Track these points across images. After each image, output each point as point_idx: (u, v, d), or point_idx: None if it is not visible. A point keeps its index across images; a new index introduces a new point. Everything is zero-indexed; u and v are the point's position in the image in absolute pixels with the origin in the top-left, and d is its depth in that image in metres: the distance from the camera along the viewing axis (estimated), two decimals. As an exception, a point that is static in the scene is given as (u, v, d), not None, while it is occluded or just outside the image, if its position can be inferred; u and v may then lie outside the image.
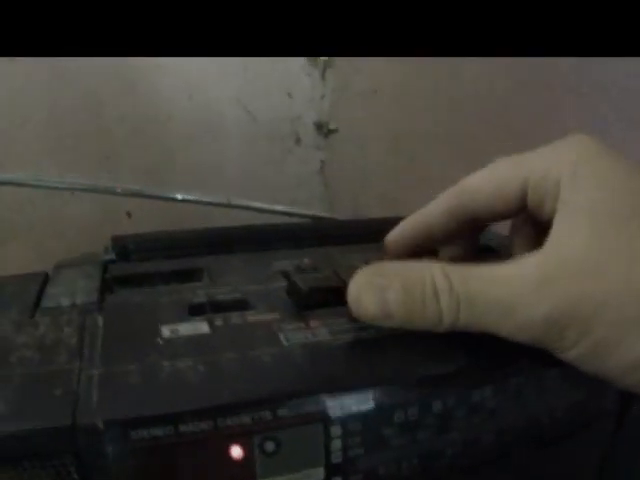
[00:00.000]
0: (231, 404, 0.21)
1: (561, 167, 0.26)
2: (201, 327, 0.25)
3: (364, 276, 0.26)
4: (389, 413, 0.23)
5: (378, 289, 0.26)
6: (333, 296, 0.28)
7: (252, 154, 0.74)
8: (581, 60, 0.70)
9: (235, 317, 0.26)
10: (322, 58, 0.74)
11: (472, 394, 0.25)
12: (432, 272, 0.25)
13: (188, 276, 0.31)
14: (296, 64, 0.72)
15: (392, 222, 0.34)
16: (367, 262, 0.30)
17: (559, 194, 0.26)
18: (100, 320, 0.26)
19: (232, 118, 0.72)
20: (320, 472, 0.22)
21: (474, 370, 0.25)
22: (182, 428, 0.20)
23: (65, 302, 0.29)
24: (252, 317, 0.26)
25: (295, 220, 0.57)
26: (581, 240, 0.24)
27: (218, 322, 0.26)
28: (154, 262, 0.33)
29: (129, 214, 0.72)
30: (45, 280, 0.32)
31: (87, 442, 0.20)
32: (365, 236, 0.35)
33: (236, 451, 0.21)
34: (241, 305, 0.27)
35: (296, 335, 0.25)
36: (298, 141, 0.76)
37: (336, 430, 0.23)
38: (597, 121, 0.75)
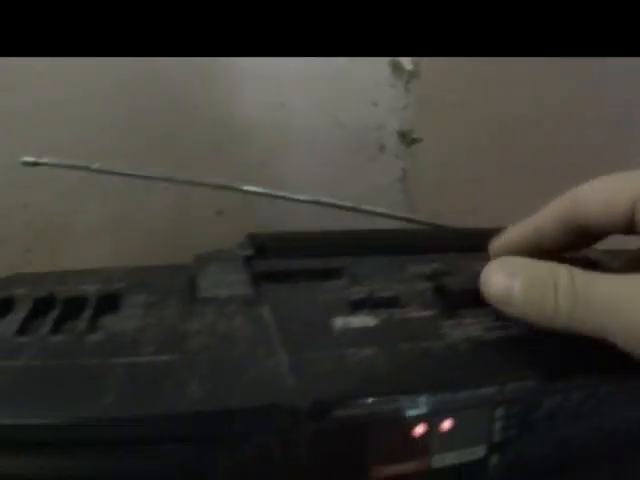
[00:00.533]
0: (416, 389, 0.23)
1: None
2: (368, 320, 0.27)
3: (497, 263, 0.29)
4: (539, 401, 0.25)
5: (506, 275, 0.28)
6: (478, 298, 0.30)
7: (338, 160, 0.77)
8: None
9: (395, 312, 0.28)
10: (407, 69, 0.76)
11: (600, 387, 0.27)
12: (557, 269, 0.27)
13: (330, 274, 0.34)
14: (381, 75, 0.74)
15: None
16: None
17: None
18: (266, 312, 0.29)
19: (322, 126, 0.74)
20: (483, 449, 0.25)
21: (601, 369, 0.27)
22: (374, 409, 0.22)
23: (223, 294, 0.31)
24: (411, 313, 0.28)
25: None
26: None
27: (382, 316, 0.28)
28: (291, 260, 0.35)
29: (220, 212, 0.75)
30: (190, 273, 0.34)
31: (290, 422, 0.22)
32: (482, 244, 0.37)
33: (418, 430, 0.23)
34: (396, 302, 0.30)
35: (455, 330, 0.28)
36: (382, 149, 0.78)
37: (499, 413, 0.25)
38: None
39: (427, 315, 0.29)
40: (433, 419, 0.24)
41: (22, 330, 0.28)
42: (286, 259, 0.36)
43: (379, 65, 0.75)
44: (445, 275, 0.33)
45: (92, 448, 0.22)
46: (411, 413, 0.23)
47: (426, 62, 0.75)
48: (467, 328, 0.28)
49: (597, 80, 0.75)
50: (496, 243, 0.34)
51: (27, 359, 0.25)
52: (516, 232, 0.33)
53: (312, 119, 0.75)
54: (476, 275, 0.31)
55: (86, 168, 0.38)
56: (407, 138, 0.80)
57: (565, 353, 0.28)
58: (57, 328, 0.28)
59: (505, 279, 0.28)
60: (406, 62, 0.76)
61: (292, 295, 0.31)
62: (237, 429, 0.22)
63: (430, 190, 0.81)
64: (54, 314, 0.29)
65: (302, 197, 0.44)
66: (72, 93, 0.62)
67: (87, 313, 0.29)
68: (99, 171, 0.38)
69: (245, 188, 0.42)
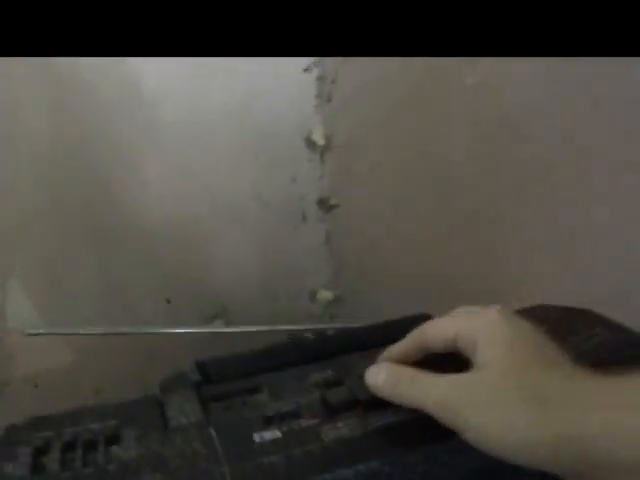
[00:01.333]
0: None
1: (480, 330, 0.46)
2: (276, 434, 0.48)
3: (375, 365, 0.51)
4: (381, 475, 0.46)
5: (377, 372, 0.50)
6: (352, 404, 0.50)
7: (265, 233, 0.96)
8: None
9: (294, 424, 0.49)
10: (320, 144, 0.94)
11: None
12: (401, 370, 0.49)
13: (255, 391, 0.54)
14: (297, 151, 0.93)
15: (405, 323, 0.55)
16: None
17: (477, 351, 0.45)
18: (213, 433, 0.49)
19: (246, 205, 0.93)
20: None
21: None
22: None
23: (184, 422, 0.51)
24: (304, 423, 0.49)
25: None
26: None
27: (284, 429, 0.48)
28: (229, 382, 0.56)
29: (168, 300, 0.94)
30: (159, 403, 0.54)
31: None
32: (383, 339, 0.56)
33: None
34: (295, 415, 0.50)
35: (331, 433, 0.47)
36: (304, 218, 0.97)
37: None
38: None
39: (314, 423, 0.49)
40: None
41: (62, 466, 0.46)
42: (225, 382, 0.56)
43: (295, 142, 0.93)
44: (331, 385, 0.53)
45: None
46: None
47: (336, 137, 0.93)
48: (339, 430, 0.48)
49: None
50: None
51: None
52: (388, 358, 0.53)
53: (241, 203, 0.93)
54: (359, 378, 0.51)
55: (90, 334, 0.58)
56: (326, 205, 0.98)
57: (402, 437, 0.48)
58: (85, 462, 0.46)
59: (377, 374, 0.49)
60: (318, 138, 0.95)
61: (229, 414, 0.51)
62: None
63: (354, 249, 1.00)
64: (79, 452, 0.48)
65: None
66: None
67: (101, 449, 0.48)
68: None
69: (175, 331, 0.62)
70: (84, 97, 0.77)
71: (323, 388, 0.51)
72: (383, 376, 0.48)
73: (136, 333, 0.67)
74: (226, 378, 0.54)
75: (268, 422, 0.48)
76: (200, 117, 0.85)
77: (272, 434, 0.47)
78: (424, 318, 0.57)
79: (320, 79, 0.86)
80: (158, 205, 0.87)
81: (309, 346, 0.60)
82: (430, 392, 0.45)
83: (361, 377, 0.51)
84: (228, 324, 0.94)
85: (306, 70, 0.83)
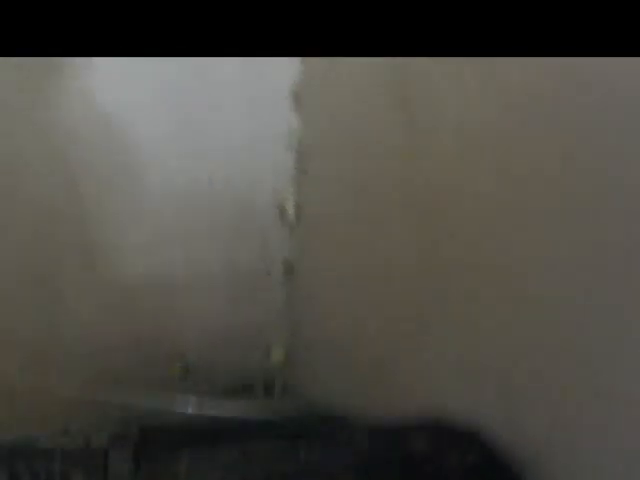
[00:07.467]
0: None
1: None
2: None
3: None
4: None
5: None
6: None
7: (235, 297, 1.04)
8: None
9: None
10: (290, 212, 1.03)
11: None
12: None
13: (176, 463, 0.66)
14: (268, 220, 1.01)
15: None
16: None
17: None
18: None
19: (219, 271, 1.01)
20: None
21: None
22: None
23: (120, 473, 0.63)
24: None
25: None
26: None
27: None
28: (161, 450, 0.68)
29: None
30: (105, 452, 0.66)
31: None
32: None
33: None
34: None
35: None
36: (269, 282, 1.05)
37: None
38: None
39: None
40: None
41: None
42: (158, 448, 0.68)
43: (267, 212, 1.00)
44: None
45: None
46: None
47: (306, 208, 1.00)
48: None
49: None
50: None
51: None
52: None
53: (215, 269, 1.00)
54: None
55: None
56: (290, 270, 1.04)
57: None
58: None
59: None
60: (289, 208, 1.02)
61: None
62: None
63: (311, 314, 1.06)
64: None
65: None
66: None
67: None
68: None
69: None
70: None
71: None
72: None
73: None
74: (160, 445, 0.65)
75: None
76: (181, 187, 0.93)
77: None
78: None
79: (298, 152, 0.96)
80: (137, 269, 0.95)
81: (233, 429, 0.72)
82: None
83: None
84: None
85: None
